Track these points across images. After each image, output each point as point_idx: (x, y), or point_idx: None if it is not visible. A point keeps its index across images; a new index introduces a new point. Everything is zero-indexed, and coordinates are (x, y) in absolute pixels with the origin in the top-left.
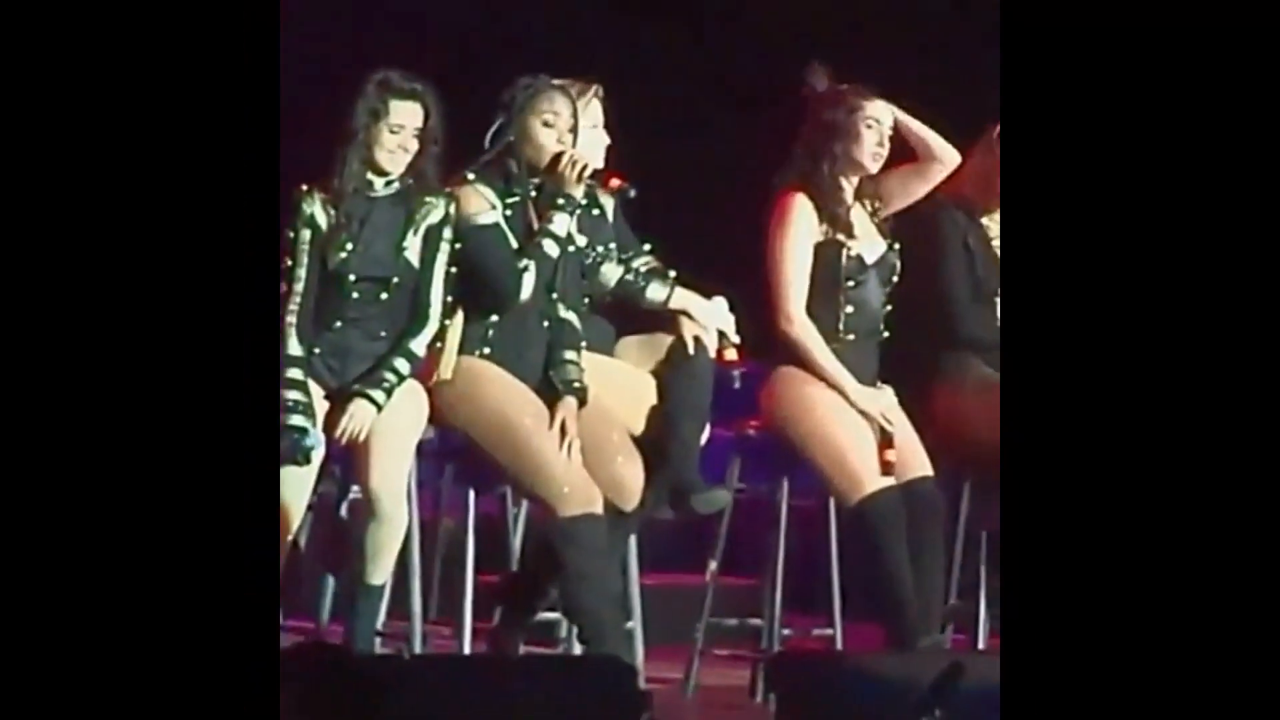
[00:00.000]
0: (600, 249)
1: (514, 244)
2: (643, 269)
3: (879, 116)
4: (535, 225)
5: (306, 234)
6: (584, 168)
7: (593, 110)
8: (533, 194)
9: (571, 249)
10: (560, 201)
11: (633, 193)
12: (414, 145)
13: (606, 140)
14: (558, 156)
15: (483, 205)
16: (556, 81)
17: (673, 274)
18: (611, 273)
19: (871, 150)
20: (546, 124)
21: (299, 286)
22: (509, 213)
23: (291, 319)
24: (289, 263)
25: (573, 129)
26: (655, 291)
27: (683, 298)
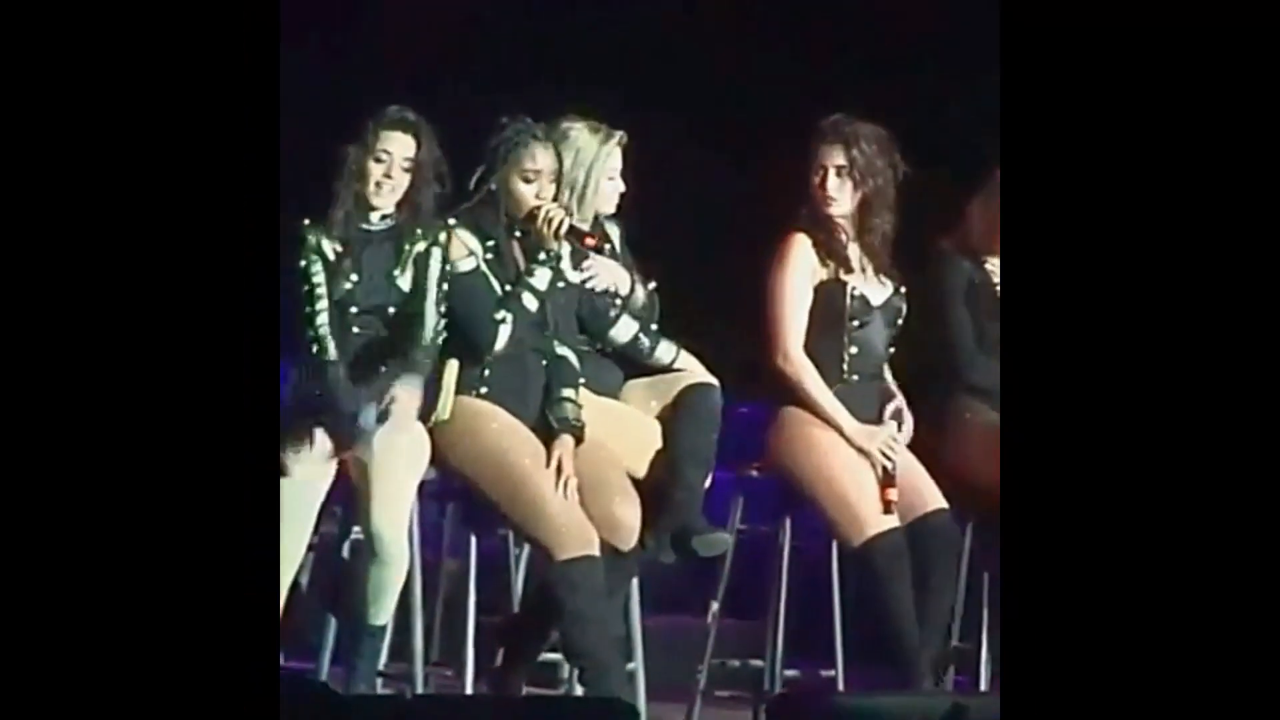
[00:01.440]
0: (611, 299)
1: (496, 289)
2: (654, 328)
3: (824, 162)
4: (521, 266)
5: (318, 264)
6: (560, 223)
7: (614, 157)
8: (518, 234)
9: (562, 285)
10: (541, 256)
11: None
12: (403, 177)
13: (621, 188)
14: (535, 211)
15: (462, 251)
16: (539, 130)
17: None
18: (625, 330)
19: (819, 195)
20: (526, 179)
21: (322, 304)
22: (490, 256)
23: (324, 330)
24: (305, 289)
25: (555, 180)
26: (663, 353)
27: (686, 361)
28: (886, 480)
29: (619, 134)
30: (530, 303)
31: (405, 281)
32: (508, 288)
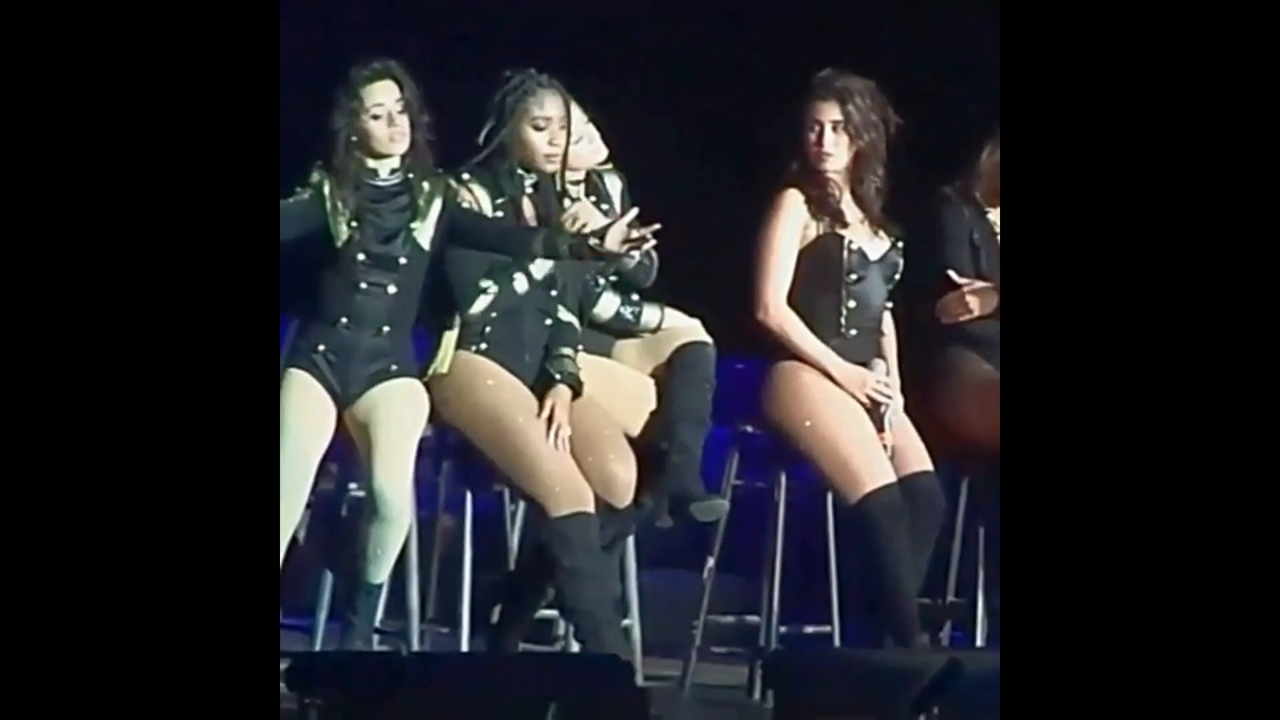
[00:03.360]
0: (595, 278)
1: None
2: (635, 297)
3: (819, 117)
4: (532, 222)
5: (309, 193)
6: (583, 226)
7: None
8: (529, 190)
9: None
10: (552, 249)
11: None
12: (403, 122)
13: (594, 131)
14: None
15: (473, 206)
16: (544, 78)
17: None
18: (609, 305)
19: (814, 151)
20: (537, 127)
21: (331, 257)
22: (500, 214)
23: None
24: (312, 240)
25: (564, 126)
26: (648, 318)
27: (673, 319)
28: (878, 425)
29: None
30: (520, 285)
31: (423, 233)
32: (503, 260)
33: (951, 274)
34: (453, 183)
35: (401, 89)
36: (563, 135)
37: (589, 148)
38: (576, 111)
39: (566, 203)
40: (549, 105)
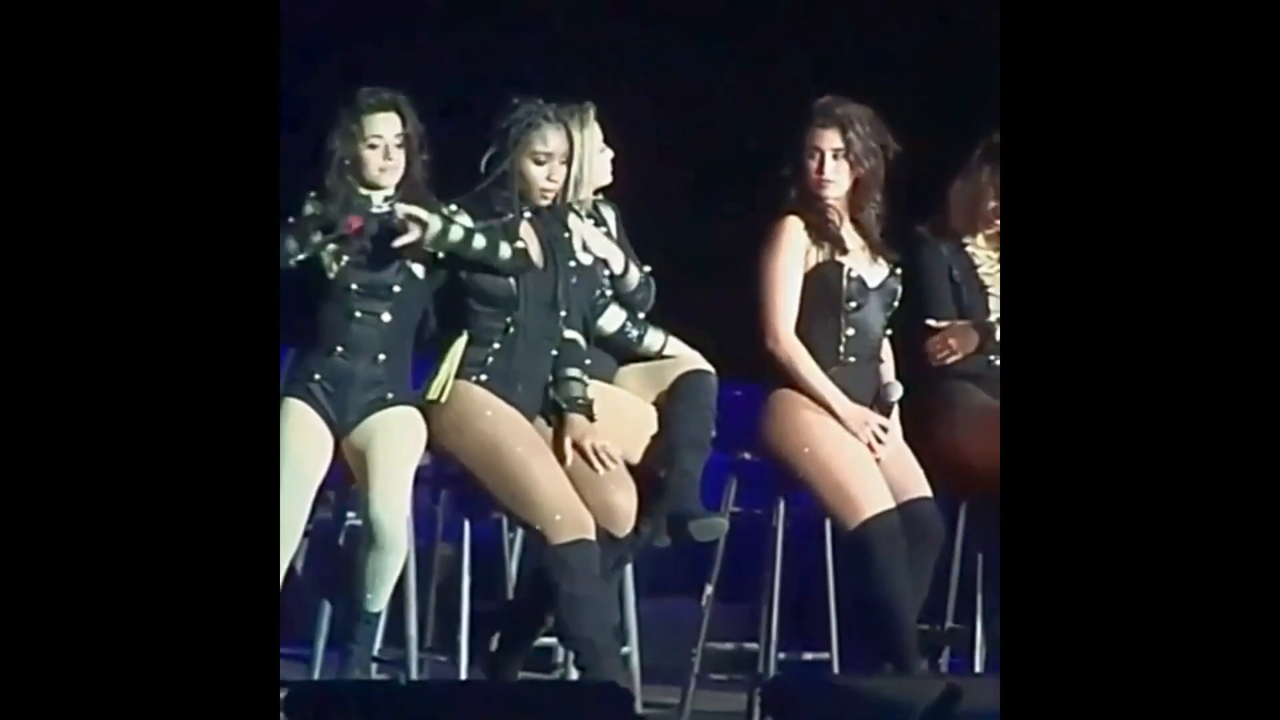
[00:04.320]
0: (602, 277)
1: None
2: (641, 317)
3: (819, 145)
4: (535, 250)
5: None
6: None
7: (595, 130)
8: (527, 216)
9: (573, 264)
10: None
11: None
12: (399, 155)
13: (610, 154)
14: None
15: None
16: (550, 111)
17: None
18: (613, 320)
19: (814, 179)
20: (538, 161)
21: (326, 286)
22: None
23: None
24: (309, 270)
25: (565, 161)
26: (652, 340)
27: (676, 347)
28: (884, 409)
29: (589, 105)
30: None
31: (417, 264)
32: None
33: (930, 322)
34: (444, 211)
35: (403, 123)
36: (562, 170)
37: (602, 166)
38: (597, 127)
39: (572, 220)
40: (552, 140)
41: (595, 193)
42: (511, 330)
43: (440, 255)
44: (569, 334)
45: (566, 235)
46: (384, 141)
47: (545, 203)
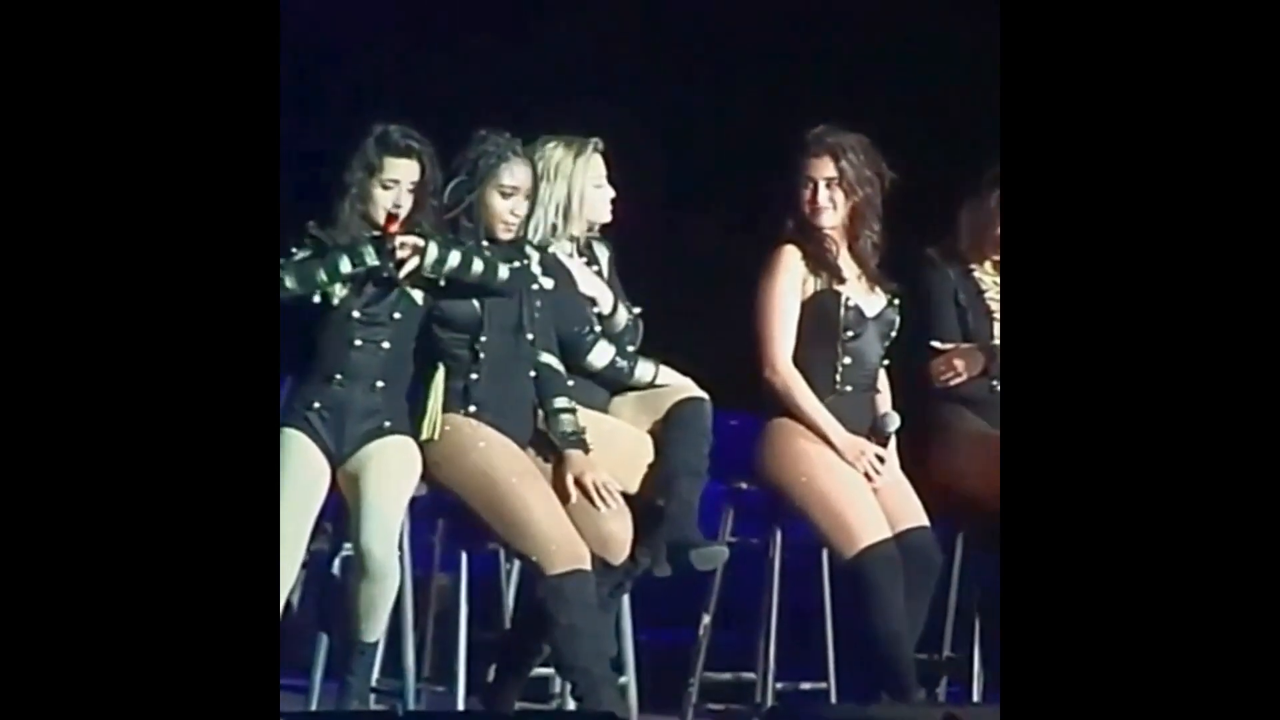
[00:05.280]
0: (590, 315)
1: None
2: (631, 350)
3: (813, 174)
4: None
5: (305, 254)
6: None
7: (594, 165)
8: (485, 246)
9: (536, 287)
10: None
11: None
12: (408, 201)
13: (611, 193)
14: None
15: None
16: (516, 145)
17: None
18: (602, 355)
19: (809, 208)
20: (504, 194)
21: (327, 312)
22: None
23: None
24: (312, 297)
25: (529, 196)
26: (643, 372)
27: (668, 375)
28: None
29: (594, 141)
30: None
31: (416, 292)
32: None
33: (935, 344)
34: (440, 237)
35: (422, 171)
36: (525, 205)
37: (600, 203)
38: (599, 163)
39: (531, 251)
40: (518, 174)
41: (589, 229)
42: (481, 357)
43: (442, 282)
44: (544, 358)
45: (525, 263)
46: (399, 186)
47: (508, 236)
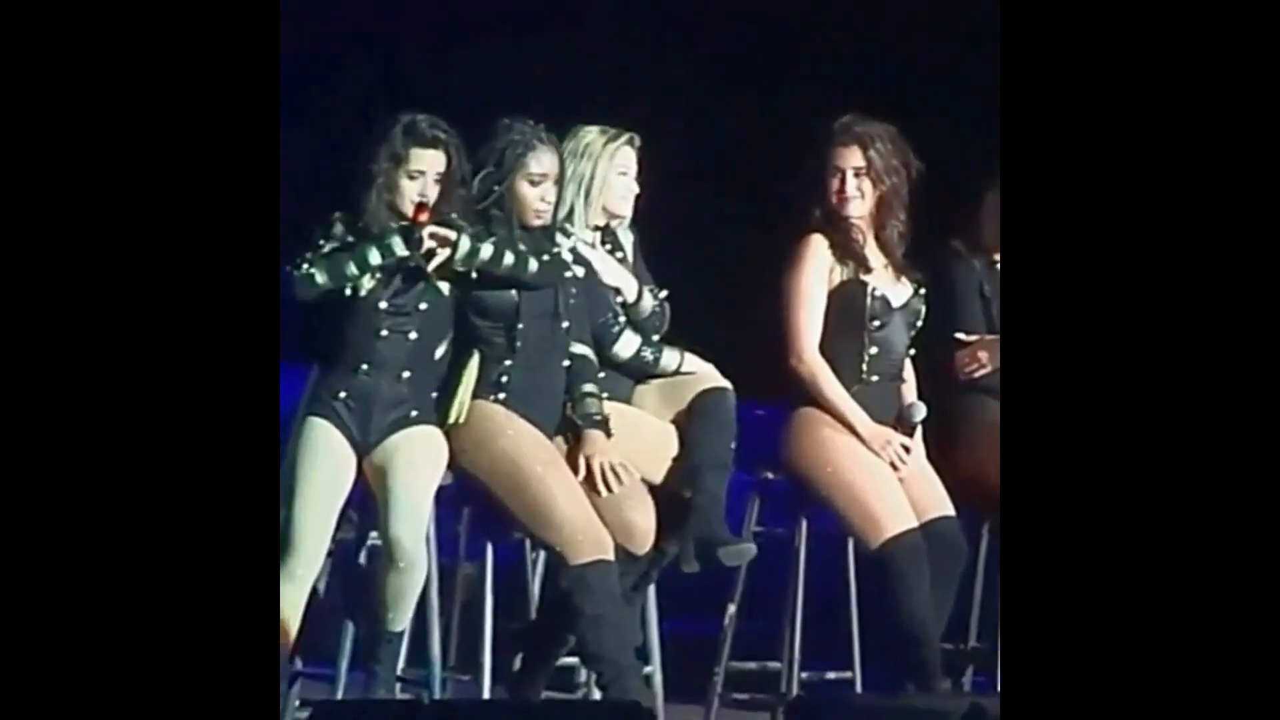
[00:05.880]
0: (615, 304)
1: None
2: (656, 339)
3: (841, 164)
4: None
5: (332, 245)
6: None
7: (622, 156)
8: (518, 234)
9: (569, 275)
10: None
11: None
12: (434, 191)
13: (635, 190)
14: None
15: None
16: (542, 133)
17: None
18: (628, 346)
19: (836, 198)
20: (532, 182)
21: (354, 302)
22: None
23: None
24: (340, 286)
25: (558, 181)
26: (668, 361)
27: (692, 363)
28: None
29: (631, 134)
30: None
31: (443, 282)
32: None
33: (959, 335)
34: (471, 229)
35: (449, 163)
36: (554, 191)
37: (624, 195)
38: (628, 154)
39: (562, 240)
40: (545, 161)
41: (609, 219)
42: (518, 345)
43: (473, 274)
44: (577, 349)
45: (557, 250)
46: (425, 177)
47: (539, 223)
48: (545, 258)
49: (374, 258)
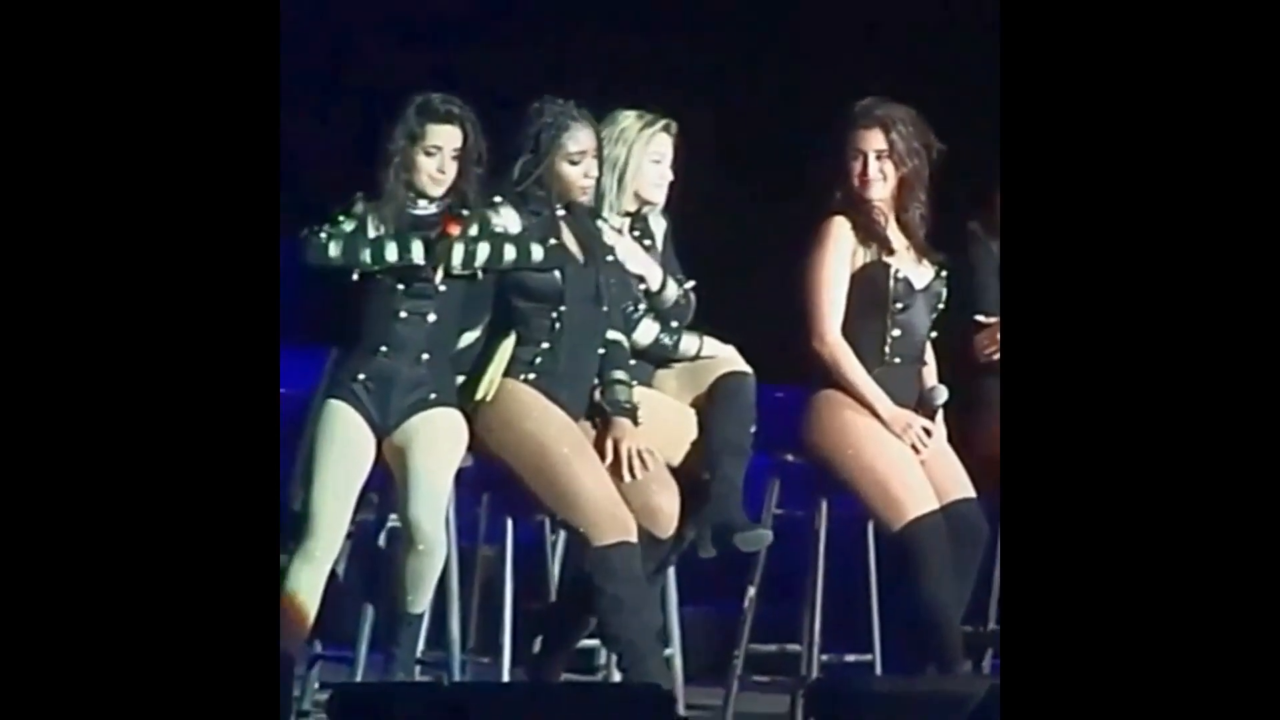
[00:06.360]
0: (637, 291)
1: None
2: (674, 325)
3: (863, 146)
4: (571, 244)
5: (351, 224)
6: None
7: (657, 143)
8: (561, 213)
9: (610, 259)
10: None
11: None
12: (452, 168)
13: (669, 177)
14: None
15: (504, 231)
16: (574, 110)
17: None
18: (646, 333)
19: (858, 180)
20: (572, 161)
21: (372, 284)
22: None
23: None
24: (357, 267)
25: (597, 156)
26: (687, 346)
27: (712, 347)
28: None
29: (667, 120)
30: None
31: (462, 264)
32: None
33: (979, 317)
34: (487, 211)
35: (465, 138)
36: (595, 166)
37: (656, 182)
38: (664, 141)
39: (600, 224)
40: (582, 139)
41: (640, 205)
42: (559, 327)
43: (479, 275)
44: (612, 334)
45: (598, 230)
46: (441, 152)
47: (586, 199)
48: (551, 241)
49: (390, 255)
